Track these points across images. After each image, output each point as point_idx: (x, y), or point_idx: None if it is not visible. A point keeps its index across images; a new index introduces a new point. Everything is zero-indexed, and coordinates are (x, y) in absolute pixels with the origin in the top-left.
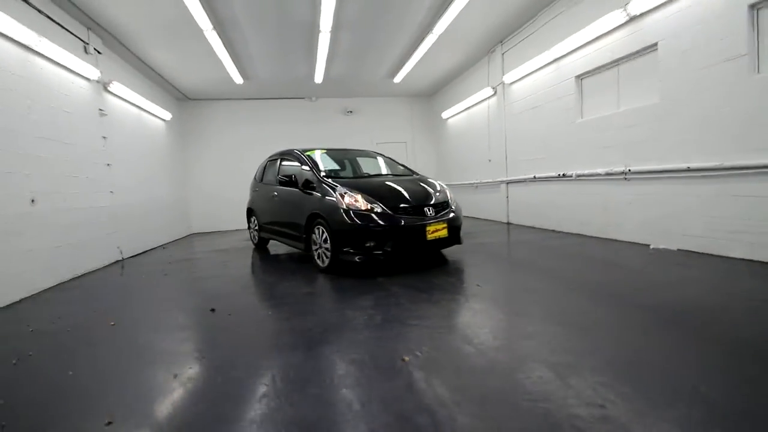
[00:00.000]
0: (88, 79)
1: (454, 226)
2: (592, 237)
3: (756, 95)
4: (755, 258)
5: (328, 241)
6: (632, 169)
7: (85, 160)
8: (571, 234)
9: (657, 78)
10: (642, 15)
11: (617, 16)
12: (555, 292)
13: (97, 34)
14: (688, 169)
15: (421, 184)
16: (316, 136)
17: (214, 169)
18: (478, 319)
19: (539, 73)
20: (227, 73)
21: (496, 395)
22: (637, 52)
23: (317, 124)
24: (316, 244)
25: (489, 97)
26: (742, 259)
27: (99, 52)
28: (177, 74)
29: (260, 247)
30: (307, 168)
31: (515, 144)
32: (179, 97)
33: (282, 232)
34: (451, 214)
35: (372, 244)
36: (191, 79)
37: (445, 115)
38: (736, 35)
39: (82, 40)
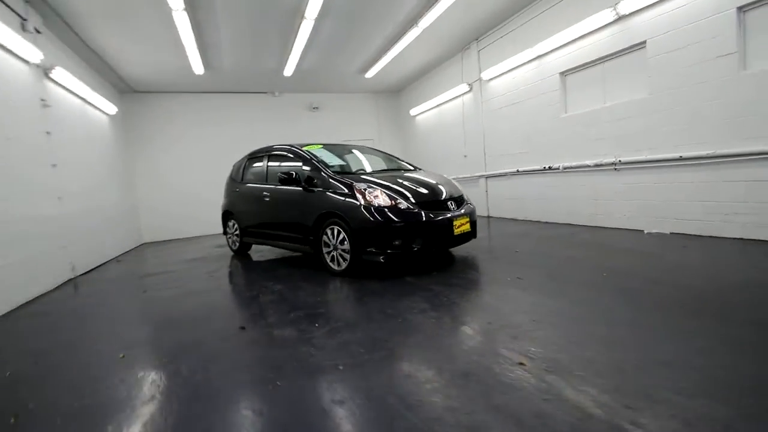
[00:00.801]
0: (27, 62)
1: (473, 220)
2: (581, 226)
3: (744, 89)
4: (749, 237)
5: (347, 242)
6: (623, 159)
7: (29, 159)
8: (560, 224)
9: (646, 74)
10: (631, 14)
11: (606, 15)
12: (601, 278)
13: (37, 10)
14: (681, 158)
15: (435, 178)
16: (281, 134)
17: (166, 170)
18: (569, 308)
19: (520, 69)
20: (188, 61)
21: None
22: (625, 49)
23: (281, 120)
24: (329, 246)
25: (464, 94)
26: (739, 239)
27: (38, 32)
28: (124, 62)
29: (241, 253)
30: (309, 165)
31: (494, 139)
32: (123, 89)
33: (277, 236)
34: (471, 207)
35: (399, 242)
36: (141, 68)
37: (413, 111)
38: (726, 34)
39: (19, 15)
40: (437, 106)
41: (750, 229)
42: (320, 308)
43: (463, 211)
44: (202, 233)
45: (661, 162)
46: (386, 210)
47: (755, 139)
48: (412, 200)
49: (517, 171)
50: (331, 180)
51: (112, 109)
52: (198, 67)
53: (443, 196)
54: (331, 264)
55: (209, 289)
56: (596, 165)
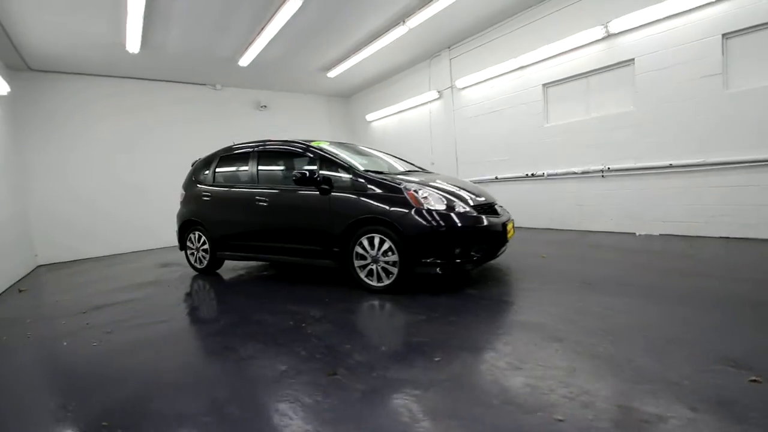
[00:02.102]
0: None
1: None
2: (567, 230)
3: (726, 107)
4: (734, 236)
5: (392, 253)
6: (611, 167)
7: None
8: (545, 229)
9: (633, 89)
10: (620, 33)
11: (596, 32)
12: (667, 280)
13: None
14: (670, 166)
15: (465, 180)
16: (222, 133)
17: (74, 171)
18: (700, 315)
19: (500, 79)
20: (122, 35)
21: None
22: (612, 65)
23: (223, 118)
24: (364, 258)
25: (432, 101)
26: (725, 237)
27: None
28: (25, 27)
29: (208, 272)
30: (329, 164)
31: (468, 147)
32: (16, 65)
33: (278, 249)
34: (506, 211)
35: (459, 250)
36: (50, 40)
37: (370, 117)
38: (712, 57)
39: None
40: (399, 112)
41: (735, 229)
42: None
43: (509, 215)
44: (121, 251)
45: (648, 170)
46: (444, 214)
47: (736, 150)
48: (471, 203)
49: (496, 178)
50: (368, 181)
51: (2, 87)
52: (134, 44)
53: (491, 200)
54: (367, 279)
55: (206, 325)
56: (583, 172)
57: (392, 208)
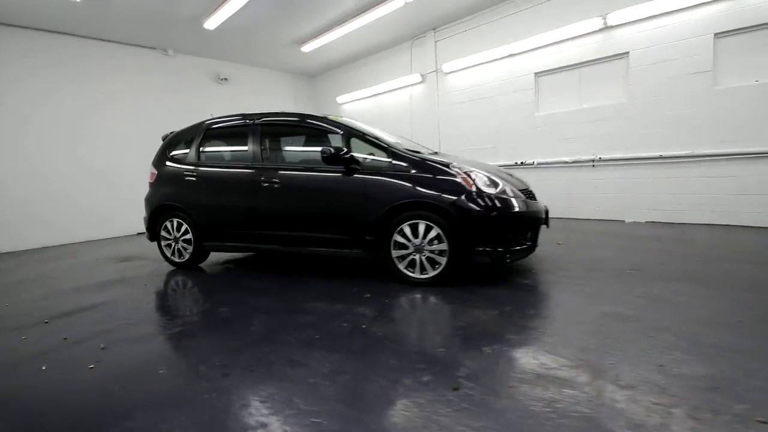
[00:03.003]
0: None
1: None
2: (555, 218)
3: (715, 103)
4: (716, 222)
5: (444, 240)
6: (603, 157)
7: None
8: None
9: (626, 81)
10: (618, 26)
11: (594, 23)
12: (667, 263)
13: None
14: (660, 157)
15: (489, 164)
16: (177, 106)
17: None
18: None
19: (490, 65)
20: None
21: None
22: (607, 57)
23: (177, 89)
24: (405, 248)
25: (414, 85)
26: (708, 224)
27: None
28: None
29: (189, 266)
30: (364, 142)
31: (452, 133)
32: None
33: (293, 239)
34: None
35: (511, 237)
36: None
37: (341, 99)
38: (703, 55)
39: None
40: (375, 95)
41: (715, 216)
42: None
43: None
44: (55, 241)
45: (638, 160)
46: (506, 198)
47: (721, 144)
48: (518, 188)
49: None
50: (412, 162)
51: None
52: None
53: (527, 185)
54: (407, 271)
55: (232, 334)
56: (574, 161)
57: (443, 192)
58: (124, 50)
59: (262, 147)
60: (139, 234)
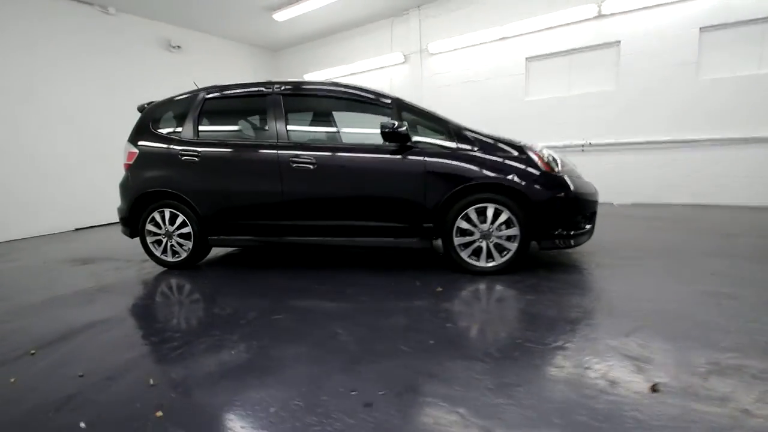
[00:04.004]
0: None
1: None
2: None
3: (698, 92)
4: (695, 203)
5: (515, 225)
6: (592, 142)
7: None
8: None
9: (616, 70)
10: (611, 15)
11: (589, 11)
12: (690, 242)
13: None
14: (648, 142)
15: None
16: (119, 77)
17: None
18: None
19: (480, 48)
20: None
21: None
22: (599, 45)
23: (118, 55)
24: (469, 234)
25: (395, 65)
26: (688, 204)
27: None
28: None
29: (185, 266)
30: (419, 118)
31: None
32: None
33: (332, 228)
34: None
35: (579, 219)
36: None
37: (309, 78)
38: (689, 47)
39: None
40: (350, 75)
41: (695, 197)
42: None
43: None
44: None
45: (626, 145)
46: (579, 180)
47: (702, 130)
48: (577, 169)
49: None
50: (478, 141)
51: None
52: None
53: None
54: (471, 259)
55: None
56: (564, 146)
57: (516, 172)
58: (56, 5)
59: (287, 122)
60: (77, 230)
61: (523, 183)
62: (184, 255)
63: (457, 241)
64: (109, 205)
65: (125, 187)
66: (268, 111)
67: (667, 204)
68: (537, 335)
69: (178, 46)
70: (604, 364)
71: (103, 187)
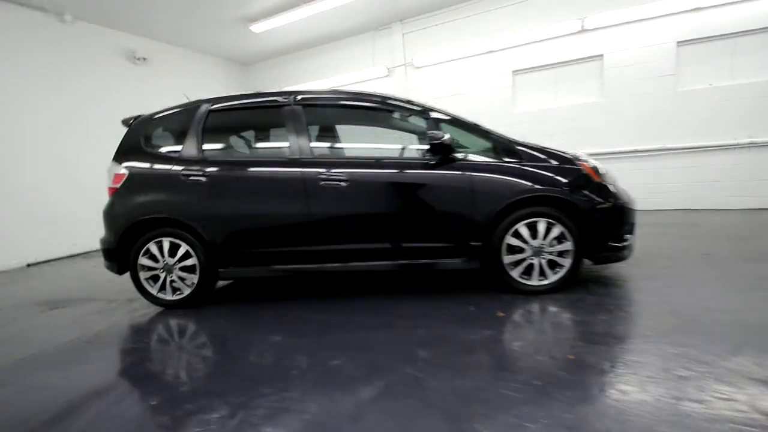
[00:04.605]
0: None
1: None
2: None
3: (678, 103)
4: (686, 207)
5: (569, 239)
6: (582, 151)
7: None
8: None
9: (600, 82)
10: (594, 29)
11: (573, 25)
12: (714, 247)
13: None
14: (635, 151)
15: None
16: (79, 92)
17: None
18: None
19: (466, 61)
20: None
21: None
22: (584, 58)
23: (74, 67)
24: (519, 251)
25: (377, 79)
26: (679, 209)
27: None
28: None
29: (189, 304)
30: (460, 128)
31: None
32: None
33: (368, 252)
34: None
35: (625, 231)
36: None
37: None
38: (668, 60)
39: None
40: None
41: (682, 202)
42: None
43: None
44: None
45: (614, 154)
46: (624, 191)
47: (685, 138)
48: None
49: None
50: (524, 151)
51: None
52: None
53: None
54: (522, 279)
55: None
56: None
57: (569, 184)
58: (5, 8)
59: (309, 135)
60: (29, 266)
61: (575, 194)
62: (187, 292)
63: (507, 259)
64: (66, 235)
65: (111, 214)
66: (287, 124)
67: (655, 210)
68: (649, 363)
69: (144, 58)
70: (742, 392)
71: (60, 213)
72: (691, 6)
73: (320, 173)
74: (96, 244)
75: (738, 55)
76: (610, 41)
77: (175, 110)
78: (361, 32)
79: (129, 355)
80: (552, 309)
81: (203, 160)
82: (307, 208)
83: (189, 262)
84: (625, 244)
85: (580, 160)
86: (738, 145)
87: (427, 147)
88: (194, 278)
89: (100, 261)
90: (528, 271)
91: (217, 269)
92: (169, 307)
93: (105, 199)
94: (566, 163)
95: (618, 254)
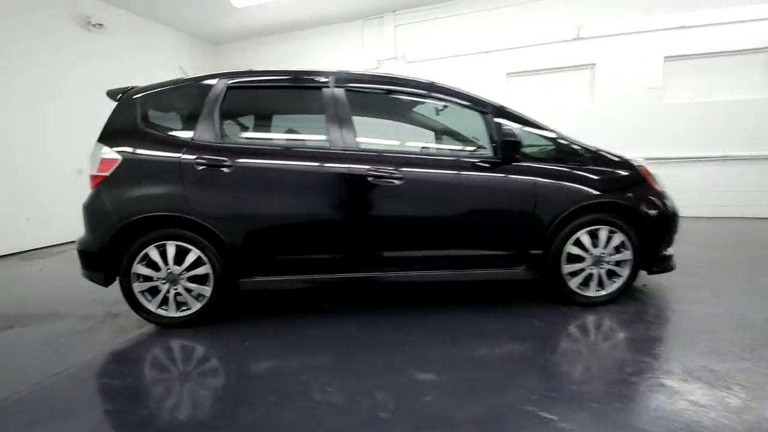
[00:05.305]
0: None
1: None
2: None
3: (664, 115)
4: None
5: (628, 248)
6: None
7: None
8: None
9: (591, 90)
10: (588, 38)
11: (569, 32)
12: (738, 255)
13: None
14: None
15: None
16: (20, 63)
17: None
18: None
19: (461, 59)
20: None
21: None
22: (577, 66)
23: (15, 30)
24: (582, 260)
25: (364, 70)
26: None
27: None
28: None
29: (197, 323)
30: (523, 126)
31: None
32: None
33: (424, 261)
34: None
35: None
36: None
37: None
38: (655, 73)
39: None
40: None
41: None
42: None
43: None
44: None
45: None
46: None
47: (670, 149)
48: None
49: None
50: (590, 155)
51: None
52: None
53: None
54: (580, 289)
55: None
56: None
57: (630, 190)
58: None
59: (354, 125)
60: None
61: (638, 201)
62: (196, 307)
63: (566, 268)
64: None
65: (97, 211)
66: (327, 110)
67: None
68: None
69: (100, 24)
70: None
71: None
72: (677, 24)
73: (370, 170)
74: (33, 242)
75: (718, 74)
76: (603, 51)
77: (182, 85)
78: (350, 20)
79: (137, 397)
80: (619, 324)
81: (223, 148)
82: (353, 209)
83: (200, 270)
84: (672, 253)
85: (636, 163)
86: (714, 158)
87: (491, 144)
88: (206, 290)
89: (46, 263)
90: (585, 282)
91: (238, 279)
92: (170, 326)
93: (42, 189)
94: (627, 168)
95: (668, 263)
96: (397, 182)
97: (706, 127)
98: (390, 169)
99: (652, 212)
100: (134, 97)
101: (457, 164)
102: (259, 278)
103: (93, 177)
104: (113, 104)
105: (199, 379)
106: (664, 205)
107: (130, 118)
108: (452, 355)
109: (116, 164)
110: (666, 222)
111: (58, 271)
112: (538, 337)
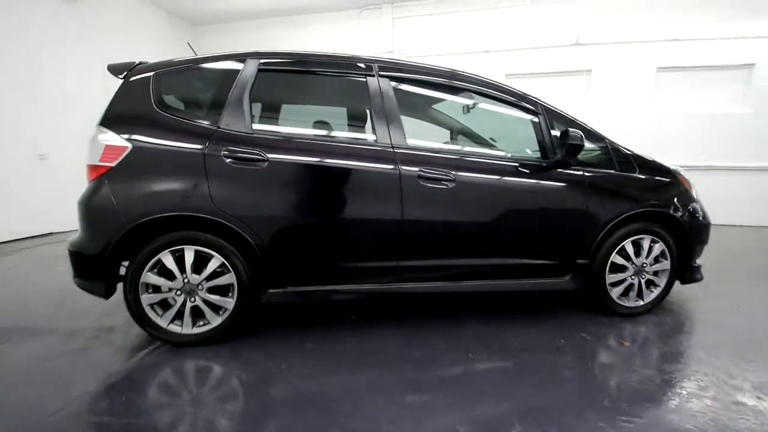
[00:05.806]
0: None
1: None
2: None
3: (654, 123)
4: None
5: (667, 257)
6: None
7: None
8: None
9: (587, 96)
10: (586, 44)
11: (569, 38)
12: (734, 261)
13: None
14: None
15: None
16: None
17: None
18: None
19: (462, 57)
20: None
21: None
22: (574, 71)
23: None
24: (624, 270)
25: None
26: None
27: None
28: None
29: (220, 338)
30: (572, 128)
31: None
32: None
33: (471, 271)
34: None
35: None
36: None
37: None
38: (647, 83)
39: None
40: None
41: None
42: None
43: None
44: None
45: None
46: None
47: (661, 155)
48: None
49: None
50: (636, 161)
51: None
52: None
53: None
54: (621, 300)
55: None
56: None
57: (674, 198)
58: None
59: (401, 121)
60: None
61: (681, 211)
62: (217, 321)
63: (610, 278)
64: None
65: (99, 208)
66: (372, 102)
67: None
68: None
69: None
70: None
71: None
72: (671, 36)
73: (421, 171)
74: None
75: (705, 87)
76: (599, 58)
77: (204, 64)
78: (345, 8)
79: None
80: (666, 336)
81: (257, 141)
82: (401, 213)
83: (222, 280)
84: (702, 263)
85: (678, 173)
86: (697, 167)
87: (546, 147)
88: (228, 302)
89: (9, 261)
90: (625, 292)
91: (267, 289)
92: (184, 344)
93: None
94: (670, 177)
95: (699, 274)
96: (449, 185)
97: (689, 137)
98: (443, 170)
99: (692, 221)
100: (148, 75)
101: (508, 168)
102: (293, 288)
103: (93, 167)
104: (97, 82)
105: (252, 411)
106: (702, 214)
107: (143, 99)
108: (517, 381)
109: (125, 153)
110: (702, 231)
111: (26, 272)
112: (593, 352)
